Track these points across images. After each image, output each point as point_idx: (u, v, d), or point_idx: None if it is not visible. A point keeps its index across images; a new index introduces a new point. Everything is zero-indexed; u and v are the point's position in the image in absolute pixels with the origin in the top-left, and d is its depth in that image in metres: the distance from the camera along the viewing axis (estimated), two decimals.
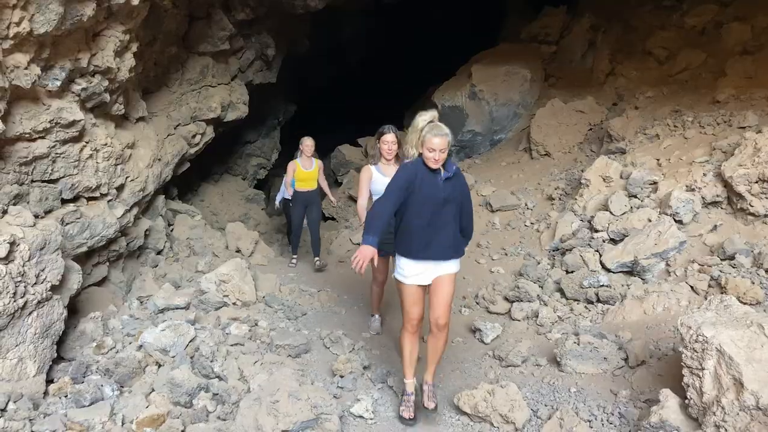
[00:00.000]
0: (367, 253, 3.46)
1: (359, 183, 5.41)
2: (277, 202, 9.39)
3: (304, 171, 8.09)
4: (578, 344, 4.39)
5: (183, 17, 7.43)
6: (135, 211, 6.35)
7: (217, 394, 4.19)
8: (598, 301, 5.35)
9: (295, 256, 8.50)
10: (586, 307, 5.41)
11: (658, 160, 6.69)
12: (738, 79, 7.45)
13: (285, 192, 8.79)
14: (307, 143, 8.02)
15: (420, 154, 3.83)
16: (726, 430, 2.93)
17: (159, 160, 7.01)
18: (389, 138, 5.24)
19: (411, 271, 3.87)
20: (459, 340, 5.39)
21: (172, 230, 7.93)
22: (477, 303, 6.15)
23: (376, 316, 5.78)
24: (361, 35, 14.22)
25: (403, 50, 16.14)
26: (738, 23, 8.21)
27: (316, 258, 8.27)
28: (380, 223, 3.61)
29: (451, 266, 3.93)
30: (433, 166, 3.75)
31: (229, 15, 8.17)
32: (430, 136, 3.70)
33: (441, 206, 3.80)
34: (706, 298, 4.34)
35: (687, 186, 5.88)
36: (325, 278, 7.59)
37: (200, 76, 8.19)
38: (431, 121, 3.79)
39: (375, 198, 5.10)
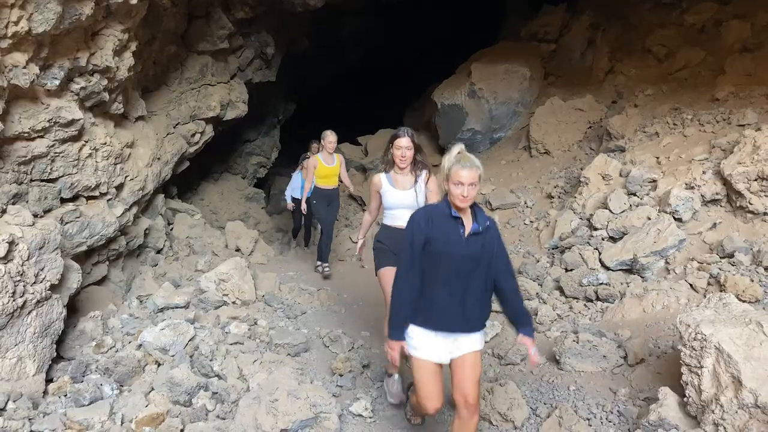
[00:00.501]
0: (396, 347, 3.07)
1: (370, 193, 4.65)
2: (288, 199, 9.25)
3: (327, 167, 7.64)
4: (577, 342, 4.40)
5: (182, 16, 7.42)
6: (134, 210, 6.35)
7: (217, 393, 4.20)
8: (598, 299, 5.36)
9: (327, 265, 7.84)
10: (585, 305, 5.41)
11: (657, 158, 6.69)
12: (737, 77, 7.44)
13: (297, 190, 8.72)
14: (330, 139, 7.52)
15: (446, 195, 3.13)
16: (725, 428, 2.94)
17: (158, 159, 7.01)
18: (403, 143, 4.24)
19: (422, 343, 3.08)
20: None
21: (171, 229, 7.93)
22: None
23: (396, 376, 4.20)
24: (361, 34, 14.21)
25: (402, 49, 16.14)
26: (737, 21, 8.21)
27: (325, 264, 7.76)
28: (405, 313, 3.05)
29: (474, 342, 3.11)
30: (461, 204, 3.00)
31: (228, 14, 8.16)
32: (457, 167, 3.00)
33: (465, 267, 3.03)
34: (705, 296, 4.34)
35: (686, 184, 5.87)
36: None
37: (199, 74, 8.18)
38: (459, 152, 3.12)
39: (386, 212, 4.35)
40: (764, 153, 5.34)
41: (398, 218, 4.17)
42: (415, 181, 4.29)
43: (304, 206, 8.41)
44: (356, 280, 7.15)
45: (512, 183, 8.87)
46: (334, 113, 16.01)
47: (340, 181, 7.91)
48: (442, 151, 10.99)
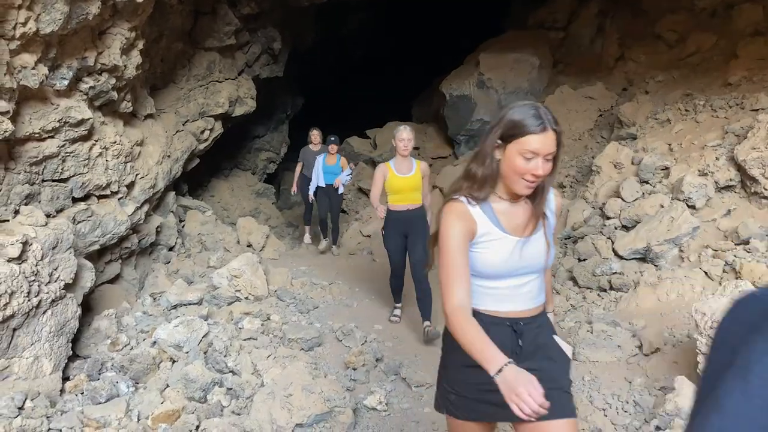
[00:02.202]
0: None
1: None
2: (311, 193, 8.87)
3: (401, 177, 5.30)
4: (591, 332, 4.38)
5: (188, 13, 7.43)
6: (146, 208, 6.37)
7: (231, 388, 4.21)
8: (611, 288, 5.32)
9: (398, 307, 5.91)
10: (599, 294, 5.38)
11: (669, 145, 6.62)
12: (750, 61, 7.33)
13: (319, 179, 8.72)
14: (403, 136, 5.29)
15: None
16: None
17: (168, 156, 7.03)
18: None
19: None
20: None
21: (183, 226, 7.96)
22: None
23: None
24: (367, 27, 14.17)
25: (409, 41, 16.07)
26: (749, 4, 8.07)
27: (427, 323, 5.25)
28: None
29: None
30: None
31: (234, 9, 8.15)
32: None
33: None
34: (720, 284, 4.30)
35: (699, 170, 5.80)
36: (336, 271, 7.60)
37: (207, 71, 8.19)
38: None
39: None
40: None
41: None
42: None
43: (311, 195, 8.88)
44: (368, 274, 7.15)
45: None
46: (342, 107, 16.00)
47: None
48: (450, 142, 10.95)
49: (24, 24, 3.95)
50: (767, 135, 5.37)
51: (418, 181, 5.29)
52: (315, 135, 9.33)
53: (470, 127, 10.45)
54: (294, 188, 9.55)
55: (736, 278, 4.52)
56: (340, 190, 8.79)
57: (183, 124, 7.84)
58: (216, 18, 7.94)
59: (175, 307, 5.59)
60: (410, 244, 5.31)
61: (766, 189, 5.25)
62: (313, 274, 7.22)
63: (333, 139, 8.81)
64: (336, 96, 16.48)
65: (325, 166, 8.72)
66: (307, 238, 9.44)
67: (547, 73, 10.49)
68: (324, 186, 8.73)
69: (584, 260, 5.82)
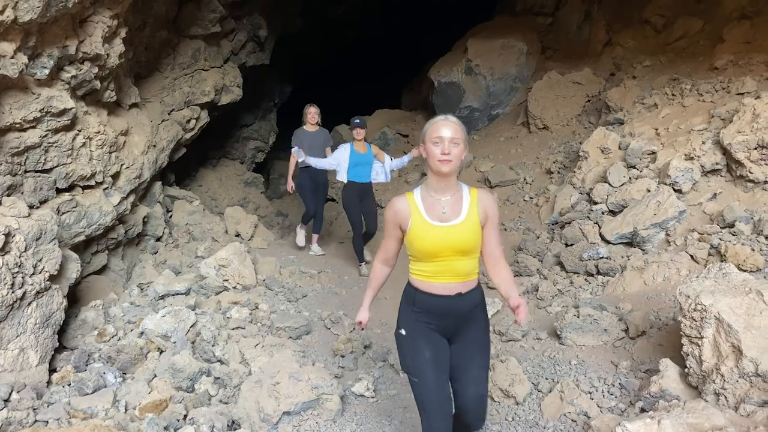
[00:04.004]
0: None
1: None
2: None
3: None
4: (578, 317, 4.40)
5: (172, 0, 7.34)
6: (132, 198, 6.32)
7: (219, 377, 4.22)
8: (598, 273, 5.35)
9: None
10: (586, 279, 5.40)
11: (656, 129, 6.63)
12: (736, 45, 7.33)
13: (342, 173, 6.83)
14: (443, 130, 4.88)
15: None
16: (726, 397, 2.94)
17: (154, 146, 6.97)
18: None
19: None
20: None
21: (170, 216, 7.90)
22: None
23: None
24: (356, 13, 14.05)
25: (398, 27, 15.97)
26: None
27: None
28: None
29: None
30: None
31: None
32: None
33: None
34: (706, 267, 4.32)
35: (686, 155, 5.82)
36: (325, 259, 7.58)
37: (192, 59, 8.10)
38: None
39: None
40: (764, 121, 5.27)
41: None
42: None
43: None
44: (357, 262, 7.14)
45: (511, 159, 8.81)
46: (331, 94, 15.90)
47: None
48: None
49: (1, 12, 3.88)
50: (752, 119, 5.39)
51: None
52: (312, 113, 7.68)
53: (459, 114, 10.40)
54: (290, 186, 7.65)
55: (722, 261, 4.55)
56: (387, 179, 7.09)
57: (168, 114, 7.77)
58: (200, 5, 7.84)
59: (162, 297, 5.57)
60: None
61: (751, 172, 5.28)
62: (302, 262, 7.20)
63: (358, 121, 6.85)
64: (325, 84, 16.37)
65: (355, 154, 6.77)
66: (300, 239, 7.96)
67: (535, 59, 10.46)
68: (354, 182, 6.81)
69: (571, 245, 5.84)
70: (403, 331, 2.67)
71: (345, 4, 13.34)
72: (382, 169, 6.89)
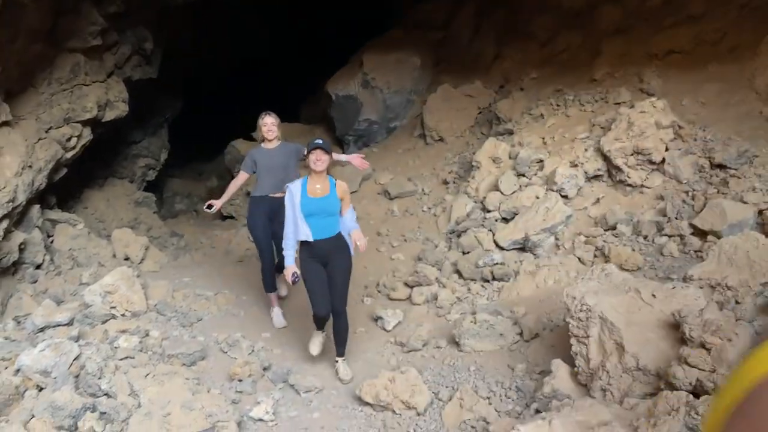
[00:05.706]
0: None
1: None
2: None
3: None
4: (475, 323, 4.46)
5: (47, 12, 6.84)
6: (5, 224, 5.81)
7: (105, 412, 3.92)
8: (494, 279, 5.47)
9: None
10: (482, 285, 5.51)
11: (543, 138, 6.92)
12: (612, 58, 7.81)
13: (299, 227, 4.35)
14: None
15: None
16: (611, 392, 3.04)
17: (30, 167, 6.45)
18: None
19: None
20: (362, 330, 5.34)
21: (52, 242, 7.34)
22: (378, 291, 6.11)
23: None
24: (249, 27, 13.81)
25: (296, 42, 15.85)
26: (610, 5, 8.61)
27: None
28: None
29: None
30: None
31: (99, 8, 7.63)
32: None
33: None
34: (591, 269, 4.51)
35: (570, 162, 6.11)
36: (222, 280, 7.29)
37: (71, 74, 7.59)
38: None
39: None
40: (638, 129, 5.63)
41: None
42: None
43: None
44: (258, 280, 6.92)
45: (409, 171, 8.91)
46: (227, 110, 15.50)
47: None
48: (339, 143, 10.90)
49: None
50: (628, 126, 5.74)
51: None
52: (268, 125, 5.64)
53: (357, 127, 10.45)
54: (216, 204, 5.78)
55: (606, 262, 4.78)
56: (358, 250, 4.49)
57: (46, 132, 7.22)
58: (79, 17, 7.38)
59: (42, 329, 5.15)
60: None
61: (629, 177, 5.61)
62: (196, 284, 6.88)
63: (320, 142, 4.38)
64: (221, 99, 15.93)
65: (308, 199, 4.30)
66: (278, 317, 5.79)
67: (429, 73, 10.68)
68: (310, 241, 4.30)
69: (468, 253, 5.95)
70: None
71: (236, 19, 13.07)
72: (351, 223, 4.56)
